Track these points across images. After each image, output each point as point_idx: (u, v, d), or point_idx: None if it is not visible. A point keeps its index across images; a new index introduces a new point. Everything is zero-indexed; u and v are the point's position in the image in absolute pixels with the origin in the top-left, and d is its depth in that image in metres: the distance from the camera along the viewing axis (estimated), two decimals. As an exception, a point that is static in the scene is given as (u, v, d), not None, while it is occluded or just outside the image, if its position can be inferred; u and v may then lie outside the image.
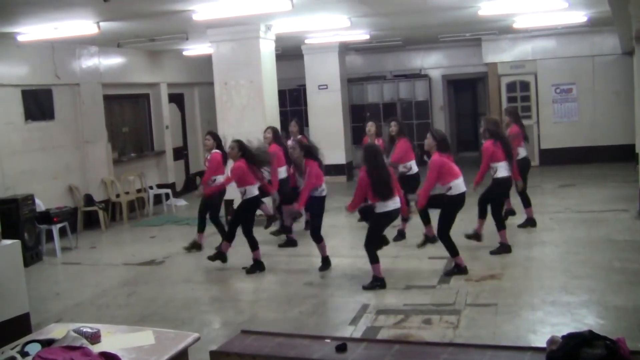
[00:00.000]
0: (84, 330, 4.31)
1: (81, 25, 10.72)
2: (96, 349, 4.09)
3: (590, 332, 4.55)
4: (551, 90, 18.67)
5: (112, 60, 15.10)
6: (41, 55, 12.73)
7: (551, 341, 4.57)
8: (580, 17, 13.89)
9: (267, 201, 10.97)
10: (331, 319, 7.50)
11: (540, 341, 5.61)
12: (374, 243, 8.51)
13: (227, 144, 9.95)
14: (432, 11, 12.16)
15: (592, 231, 10.77)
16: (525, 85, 18.99)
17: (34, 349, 4.03)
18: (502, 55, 18.94)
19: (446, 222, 8.87)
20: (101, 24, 10.68)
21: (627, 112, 16.86)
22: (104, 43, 13.83)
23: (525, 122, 18.33)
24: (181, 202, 15.91)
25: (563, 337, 4.56)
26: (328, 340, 5.37)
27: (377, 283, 8.48)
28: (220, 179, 10.81)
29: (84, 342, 4.12)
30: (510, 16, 13.66)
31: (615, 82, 17.96)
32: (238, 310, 8.14)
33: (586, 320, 6.84)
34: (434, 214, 9.36)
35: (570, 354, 4.32)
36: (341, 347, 5.06)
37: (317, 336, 5.78)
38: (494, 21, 14.38)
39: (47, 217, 11.55)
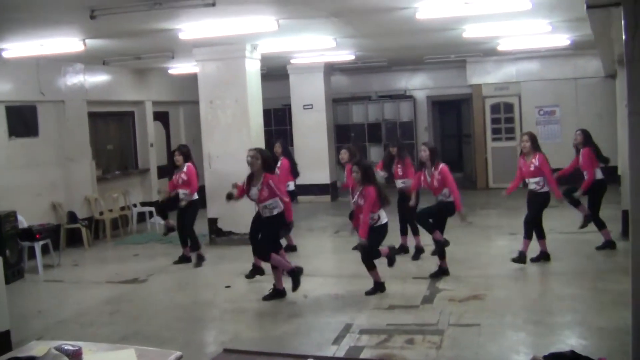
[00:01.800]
0: (65, 348, 4.27)
1: (67, 42, 10.72)
2: (77, 366, 4.06)
3: (573, 352, 4.59)
4: (535, 112, 18.83)
5: (98, 78, 15.08)
6: (26, 71, 12.70)
7: (534, 361, 4.60)
8: (563, 40, 14.03)
9: None
10: (314, 338, 7.47)
11: (523, 361, 5.63)
12: (373, 257, 9.01)
13: (211, 163, 9.92)
14: (417, 33, 12.23)
15: (576, 252, 10.82)
16: (509, 107, 19.12)
17: (14, 366, 4.00)
18: (486, 77, 19.08)
19: (442, 227, 9.62)
20: (87, 41, 10.69)
21: (609, 134, 16.94)
22: (89, 60, 13.82)
23: (509, 143, 18.65)
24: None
25: (545, 357, 4.59)
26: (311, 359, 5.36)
27: (379, 288, 9.01)
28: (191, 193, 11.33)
29: (65, 360, 4.09)
30: (495, 39, 13.78)
31: (598, 104, 18.12)
32: (221, 329, 8.10)
33: (569, 340, 6.86)
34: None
35: (552, 373, 4.34)
36: (324, 366, 5.06)
37: (299, 355, 5.76)
38: (479, 43, 14.50)
39: (29, 234, 11.47)
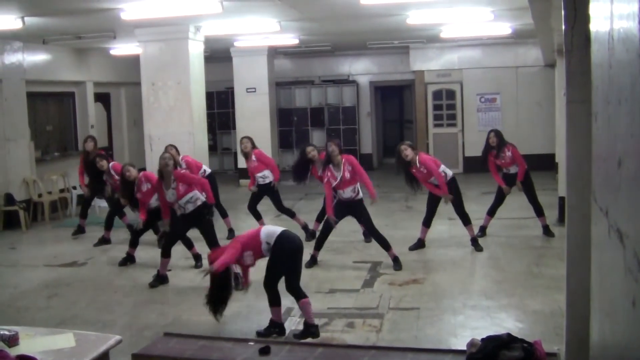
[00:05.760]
0: (1, 332, 4.22)
1: (4, 19, 10.47)
2: (14, 352, 4.01)
3: (509, 335, 4.68)
4: (476, 99, 19.06)
5: (37, 57, 14.77)
6: (-39, 49, 12.40)
7: (471, 344, 4.68)
8: (505, 29, 14.22)
9: None
10: (255, 322, 7.49)
11: (461, 344, 5.73)
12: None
13: (152, 145, 9.80)
14: (361, 17, 12.27)
15: (512, 237, 11.03)
16: (451, 94, 19.32)
17: (-52, 351, 3.94)
18: (429, 63, 19.23)
19: (372, 221, 9.55)
20: (26, 19, 10.45)
21: (548, 122, 17.33)
22: (28, 39, 13.51)
23: (450, 129, 18.88)
24: (104, 203, 15.64)
25: (482, 340, 4.68)
26: (251, 343, 5.39)
27: (275, 329, 7.13)
28: None
29: (1, 345, 4.04)
30: (438, 26, 13.89)
31: (537, 93, 18.46)
32: (161, 313, 8.05)
33: (505, 323, 7.00)
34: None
35: (489, 356, 4.43)
36: (264, 350, 5.08)
37: (240, 339, 5.79)
38: (422, 30, 14.60)
39: (-36, 216, 11.24)
